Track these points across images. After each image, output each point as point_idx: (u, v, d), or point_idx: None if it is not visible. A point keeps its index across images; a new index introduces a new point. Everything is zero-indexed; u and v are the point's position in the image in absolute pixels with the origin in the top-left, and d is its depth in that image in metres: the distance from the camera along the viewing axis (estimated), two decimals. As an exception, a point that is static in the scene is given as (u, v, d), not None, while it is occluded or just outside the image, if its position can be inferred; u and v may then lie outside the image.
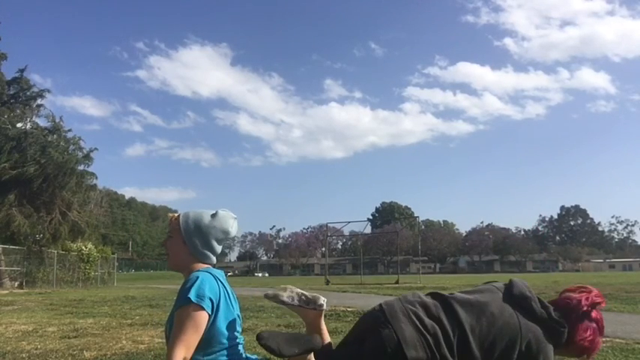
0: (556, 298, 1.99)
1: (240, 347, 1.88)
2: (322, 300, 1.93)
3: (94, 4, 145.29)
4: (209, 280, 1.78)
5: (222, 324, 1.78)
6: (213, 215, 1.93)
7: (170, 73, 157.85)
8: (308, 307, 1.92)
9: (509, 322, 1.77)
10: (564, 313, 1.86)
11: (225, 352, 1.80)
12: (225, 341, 1.79)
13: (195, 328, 1.69)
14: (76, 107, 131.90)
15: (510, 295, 1.86)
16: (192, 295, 1.70)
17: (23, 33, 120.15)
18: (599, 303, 1.90)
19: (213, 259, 1.93)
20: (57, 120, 23.97)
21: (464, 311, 1.79)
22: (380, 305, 1.86)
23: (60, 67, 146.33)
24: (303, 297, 1.94)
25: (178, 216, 1.94)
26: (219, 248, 1.93)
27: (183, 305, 1.71)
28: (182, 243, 1.89)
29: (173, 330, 1.72)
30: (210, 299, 1.74)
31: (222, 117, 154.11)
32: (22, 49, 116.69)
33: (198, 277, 1.77)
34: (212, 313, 1.74)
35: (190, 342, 1.68)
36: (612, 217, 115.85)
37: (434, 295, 1.92)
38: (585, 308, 1.87)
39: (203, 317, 1.71)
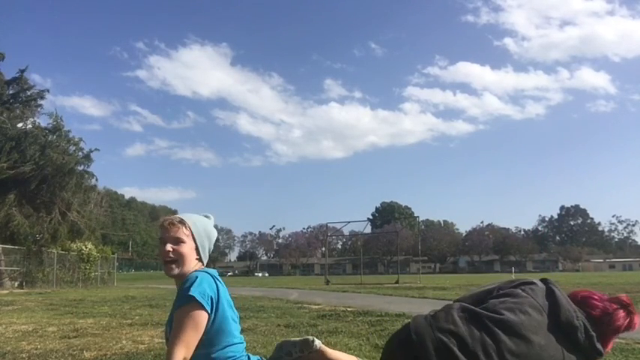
0: (590, 294, 1.84)
1: (241, 346, 1.88)
2: (311, 339, 1.96)
3: (93, 3, 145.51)
4: (208, 280, 1.79)
5: (222, 323, 1.78)
6: (209, 219, 2.01)
7: (170, 73, 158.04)
8: (304, 354, 1.94)
9: (553, 357, 1.65)
10: (599, 320, 1.75)
11: (225, 350, 1.80)
12: (226, 340, 1.80)
13: (195, 327, 1.70)
14: (76, 107, 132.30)
15: (557, 321, 1.69)
16: (192, 294, 1.71)
17: (23, 33, 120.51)
18: (632, 328, 1.79)
19: None
20: (58, 120, 24.01)
21: (512, 343, 1.61)
22: (409, 333, 1.66)
23: (60, 67, 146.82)
24: (297, 346, 1.96)
25: (181, 221, 1.91)
26: None
27: (183, 305, 1.72)
28: (194, 248, 1.90)
29: (173, 329, 1.73)
30: (211, 298, 1.75)
31: (222, 117, 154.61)
32: (22, 49, 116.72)
33: (197, 277, 1.78)
34: (212, 312, 1.75)
35: (190, 341, 1.69)
36: (612, 216, 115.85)
37: (471, 316, 1.67)
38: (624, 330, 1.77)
39: (203, 316, 1.72)
